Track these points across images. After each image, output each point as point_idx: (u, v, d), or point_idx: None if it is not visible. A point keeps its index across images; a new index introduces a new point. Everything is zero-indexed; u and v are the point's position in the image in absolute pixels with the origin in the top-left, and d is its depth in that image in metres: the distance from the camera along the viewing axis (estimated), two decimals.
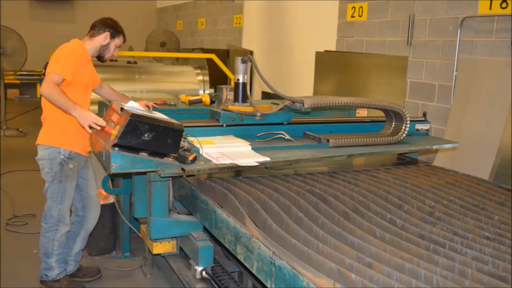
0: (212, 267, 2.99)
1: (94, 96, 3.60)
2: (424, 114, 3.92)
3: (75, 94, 3.22)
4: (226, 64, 7.77)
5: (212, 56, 6.95)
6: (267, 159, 2.80)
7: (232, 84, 3.65)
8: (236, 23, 9.49)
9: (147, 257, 3.96)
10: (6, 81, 9.98)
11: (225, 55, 8.92)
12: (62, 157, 3.29)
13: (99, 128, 2.89)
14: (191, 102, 4.19)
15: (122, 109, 2.69)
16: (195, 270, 2.83)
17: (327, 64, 6.38)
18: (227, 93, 3.41)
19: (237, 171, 3.04)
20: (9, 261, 3.97)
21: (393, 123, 3.51)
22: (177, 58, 9.11)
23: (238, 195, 2.58)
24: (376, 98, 4.72)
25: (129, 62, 7.66)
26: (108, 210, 4.02)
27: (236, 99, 3.33)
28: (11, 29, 8.99)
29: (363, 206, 2.51)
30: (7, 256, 4.05)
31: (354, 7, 5.96)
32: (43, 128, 3.35)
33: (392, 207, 2.54)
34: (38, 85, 10.18)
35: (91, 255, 4.12)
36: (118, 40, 3.43)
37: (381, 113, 3.60)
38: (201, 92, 6.45)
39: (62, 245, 3.47)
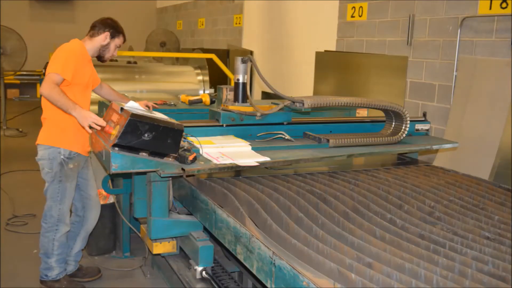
0: (212, 267, 2.99)
1: (94, 96, 3.60)
2: (424, 114, 3.91)
3: (75, 94, 3.22)
4: (226, 64, 7.77)
5: (212, 56, 6.95)
6: (267, 159, 2.80)
7: (232, 84, 3.64)
8: (236, 23, 9.49)
9: (147, 257, 3.96)
10: (6, 81, 9.98)
11: (225, 55, 8.92)
12: (62, 157, 3.30)
13: (99, 128, 2.89)
14: (191, 102, 4.19)
15: (122, 109, 2.69)
16: (195, 270, 2.83)
17: (327, 64, 6.38)
18: (227, 93, 3.41)
19: (237, 171, 3.04)
20: (9, 261, 3.97)
21: (393, 123, 3.51)
22: (177, 58, 9.10)
23: (238, 195, 2.58)
24: (376, 98, 4.72)
25: (129, 62, 7.66)
26: (108, 210, 4.02)
27: (236, 99, 3.33)
28: (11, 29, 8.99)
29: (363, 206, 2.51)
30: (7, 256, 4.05)
31: (354, 7, 5.96)
32: (43, 128, 3.35)
33: (392, 207, 2.54)
34: (38, 85, 10.19)
35: (91, 255, 4.12)
36: (118, 40, 3.43)
37: (381, 113, 3.59)
38: (201, 92, 6.45)
39: (62, 245, 3.47)
